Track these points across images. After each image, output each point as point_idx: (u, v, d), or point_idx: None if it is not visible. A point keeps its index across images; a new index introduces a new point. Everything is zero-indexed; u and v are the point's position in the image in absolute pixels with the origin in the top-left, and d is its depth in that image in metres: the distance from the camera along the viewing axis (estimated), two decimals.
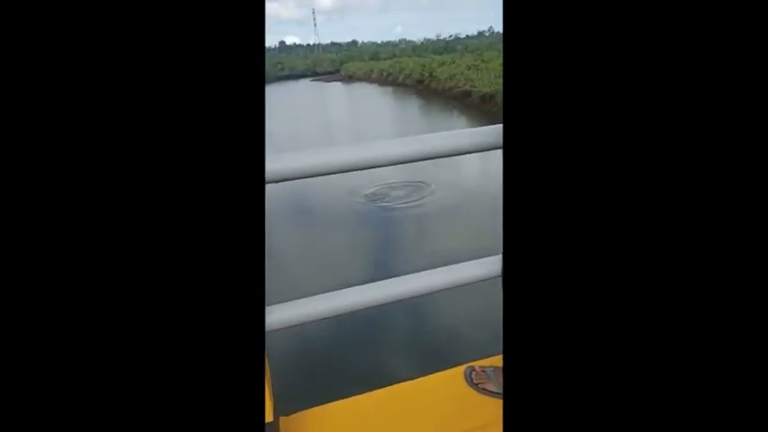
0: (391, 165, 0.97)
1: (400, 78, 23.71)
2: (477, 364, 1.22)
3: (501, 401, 1.08)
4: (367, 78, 29.95)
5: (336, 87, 28.39)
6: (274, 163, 0.91)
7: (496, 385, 1.15)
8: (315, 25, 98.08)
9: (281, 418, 1.16)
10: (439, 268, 1.15)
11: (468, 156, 1.04)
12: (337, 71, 39.06)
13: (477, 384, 1.18)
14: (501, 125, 0.83)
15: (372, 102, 19.30)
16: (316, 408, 1.23)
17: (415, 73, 22.09)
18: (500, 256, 1.11)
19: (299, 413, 1.23)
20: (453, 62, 20.35)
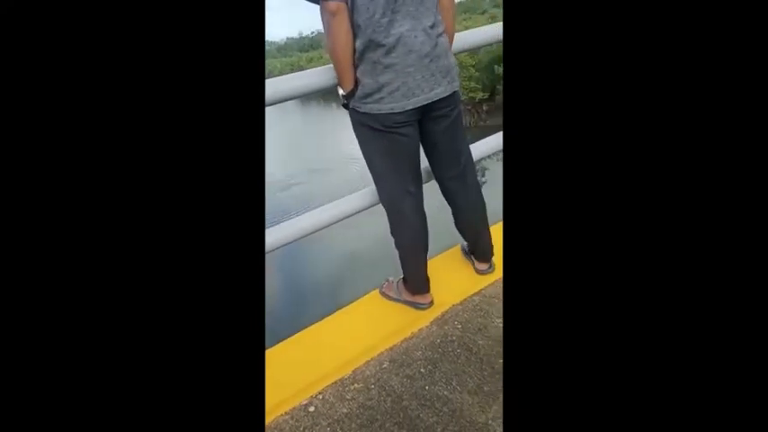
0: None
1: None
2: (393, 279, 1.54)
3: (408, 309, 1.42)
4: None
5: None
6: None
7: (395, 292, 1.49)
8: None
9: None
10: (326, 205, 1.41)
11: None
12: None
13: (383, 292, 1.53)
14: None
15: None
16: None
17: (284, 73, 21.44)
18: (372, 187, 1.38)
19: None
20: (321, 58, 20.30)
